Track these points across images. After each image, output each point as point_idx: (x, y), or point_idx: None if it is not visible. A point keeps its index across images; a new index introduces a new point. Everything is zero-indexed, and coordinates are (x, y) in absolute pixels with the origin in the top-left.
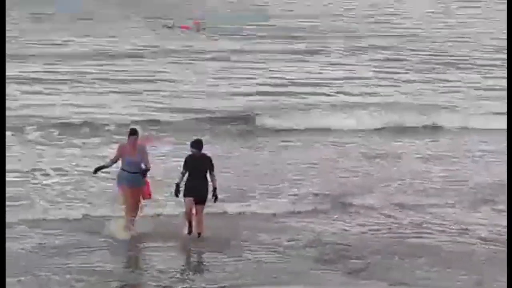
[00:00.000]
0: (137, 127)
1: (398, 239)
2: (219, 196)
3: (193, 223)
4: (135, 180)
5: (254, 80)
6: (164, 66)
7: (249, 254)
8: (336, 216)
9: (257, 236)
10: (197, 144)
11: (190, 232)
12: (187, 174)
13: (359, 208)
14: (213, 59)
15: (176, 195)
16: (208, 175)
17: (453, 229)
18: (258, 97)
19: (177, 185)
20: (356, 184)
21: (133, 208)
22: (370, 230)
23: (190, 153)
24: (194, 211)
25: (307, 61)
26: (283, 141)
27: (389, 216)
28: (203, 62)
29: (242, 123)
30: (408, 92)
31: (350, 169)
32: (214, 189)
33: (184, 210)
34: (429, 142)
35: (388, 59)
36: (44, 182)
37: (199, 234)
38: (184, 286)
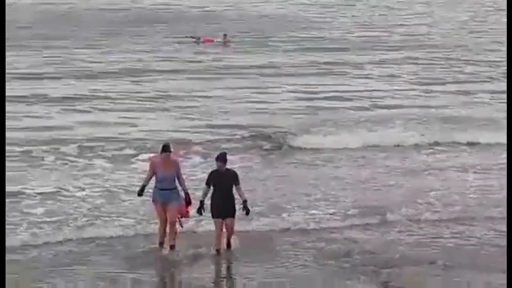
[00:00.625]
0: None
1: (436, 249)
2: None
3: (223, 239)
4: (167, 196)
5: (285, 95)
6: (192, 81)
7: (282, 264)
8: (373, 228)
9: (291, 248)
10: (222, 158)
11: (219, 250)
12: (211, 190)
13: (397, 220)
14: (241, 74)
15: (200, 213)
16: (233, 190)
17: (490, 237)
18: (289, 113)
19: (202, 202)
20: (393, 197)
21: (166, 224)
22: (407, 241)
23: (213, 168)
24: (224, 228)
25: (338, 74)
26: (315, 157)
27: (427, 228)
28: (232, 77)
29: (274, 139)
30: (443, 104)
31: (386, 183)
32: (244, 202)
33: (214, 229)
34: (465, 155)
35: (421, 71)
36: (78, 194)
37: (228, 245)
38: None
